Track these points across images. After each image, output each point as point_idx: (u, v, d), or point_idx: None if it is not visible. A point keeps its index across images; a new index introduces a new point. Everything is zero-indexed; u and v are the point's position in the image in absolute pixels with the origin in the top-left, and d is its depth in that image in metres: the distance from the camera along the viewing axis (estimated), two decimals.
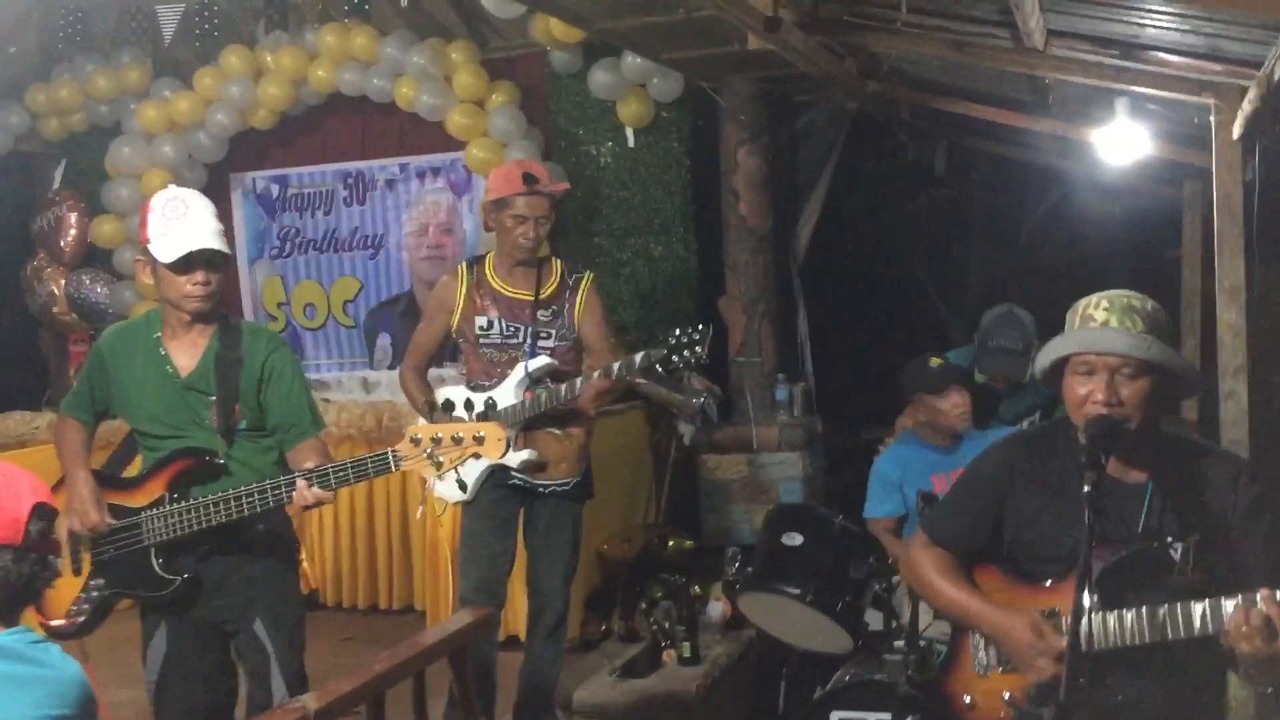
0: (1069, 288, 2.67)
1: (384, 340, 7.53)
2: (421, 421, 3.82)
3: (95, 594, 3.12)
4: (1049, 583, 2.42)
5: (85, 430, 3.25)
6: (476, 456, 2.88)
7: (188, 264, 3.03)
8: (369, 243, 7.56)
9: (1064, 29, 3.84)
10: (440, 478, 3.84)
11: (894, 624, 3.90)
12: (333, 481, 2.98)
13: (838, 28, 4.67)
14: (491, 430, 2.87)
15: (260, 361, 3.15)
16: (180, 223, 3.03)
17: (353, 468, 2.98)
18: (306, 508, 3.01)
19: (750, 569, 4.04)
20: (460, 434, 2.87)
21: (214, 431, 3.10)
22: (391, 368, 7.21)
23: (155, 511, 3.05)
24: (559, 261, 4.16)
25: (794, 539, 3.95)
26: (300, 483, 2.96)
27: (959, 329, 7.98)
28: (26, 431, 6.26)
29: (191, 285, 3.05)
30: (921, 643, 3.61)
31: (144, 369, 3.13)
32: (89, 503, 3.07)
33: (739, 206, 6.62)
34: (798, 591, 3.79)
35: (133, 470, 3.26)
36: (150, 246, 3.06)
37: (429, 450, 2.87)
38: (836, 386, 7.28)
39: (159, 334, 3.15)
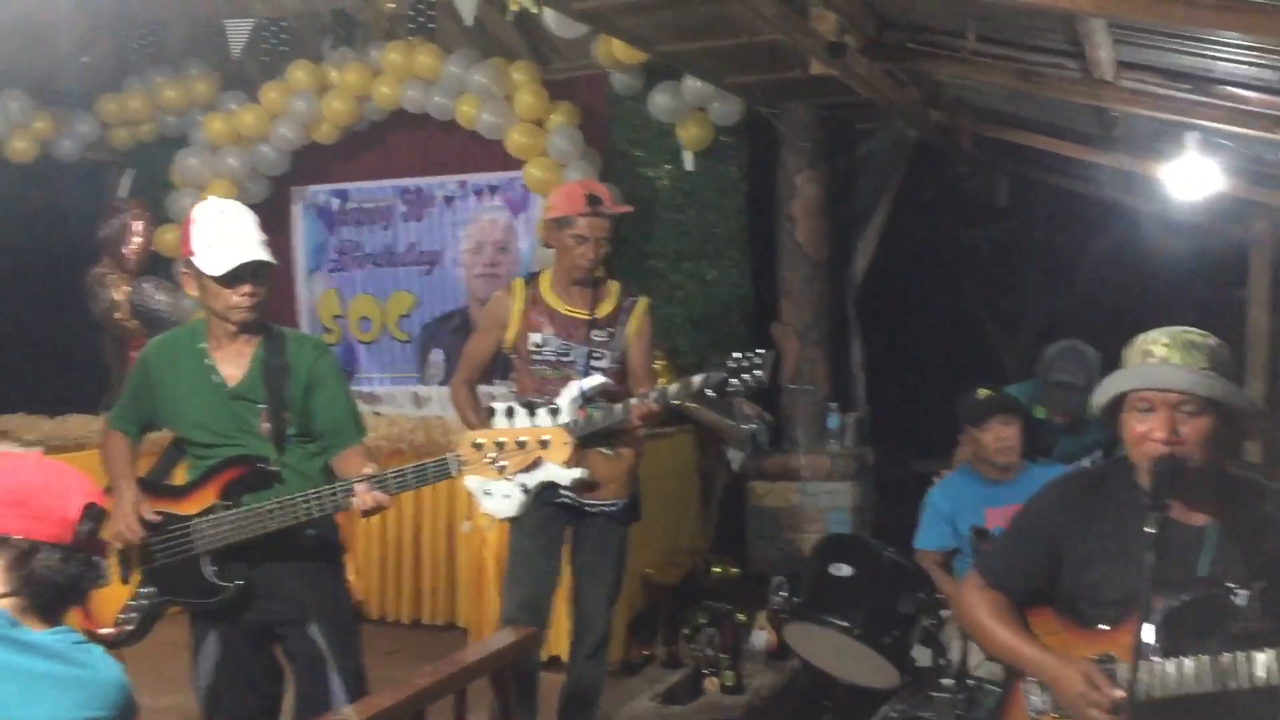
0: (1130, 325, 2.60)
1: (437, 356, 7.57)
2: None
3: (145, 602, 3.12)
4: (1104, 627, 2.34)
5: (131, 443, 3.27)
6: (540, 462, 2.85)
7: (235, 276, 3.03)
8: (425, 258, 7.61)
9: (1134, 61, 3.77)
10: (489, 493, 3.87)
11: (942, 661, 3.82)
12: (392, 486, 2.96)
13: (902, 54, 4.63)
14: (557, 434, 2.83)
15: (306, 368, 3.15)
16: (226, 235, 3.03)
17: (412, 473, 2.96)
18: (366, 513, 3.00)
19: (797, 599, 3.98)
20: (524, 438, 2.82)
21: (265, 439, 3.10)
22: (443, 383, 7.24)
23: (209, 518, 3.05)
24: (615, 283, 4.15)
25: (842, 570, 3.89)
26: (359, 487, 2.95)
27: (1015, 363, 7.87)
28: (85, 434, 6.35)
29: (239, 297, 3.04)
30: (970, 681, 3.53)
31: (190, 379, 3.14)
32: (131, 518, 3.09)
33: (795, 233, 6.59)
34: (845, 624, 3.73)
35: (177, 478, 3.28)
36: (195, 259, 3.04)
37: (492, 455, 2.83)
38: (890, 417, 7.20)
39: (204, 344, 3.15)
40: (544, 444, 2.81)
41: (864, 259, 7.05)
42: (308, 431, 3.16)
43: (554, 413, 3.76)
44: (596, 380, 3.90)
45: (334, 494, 2.97)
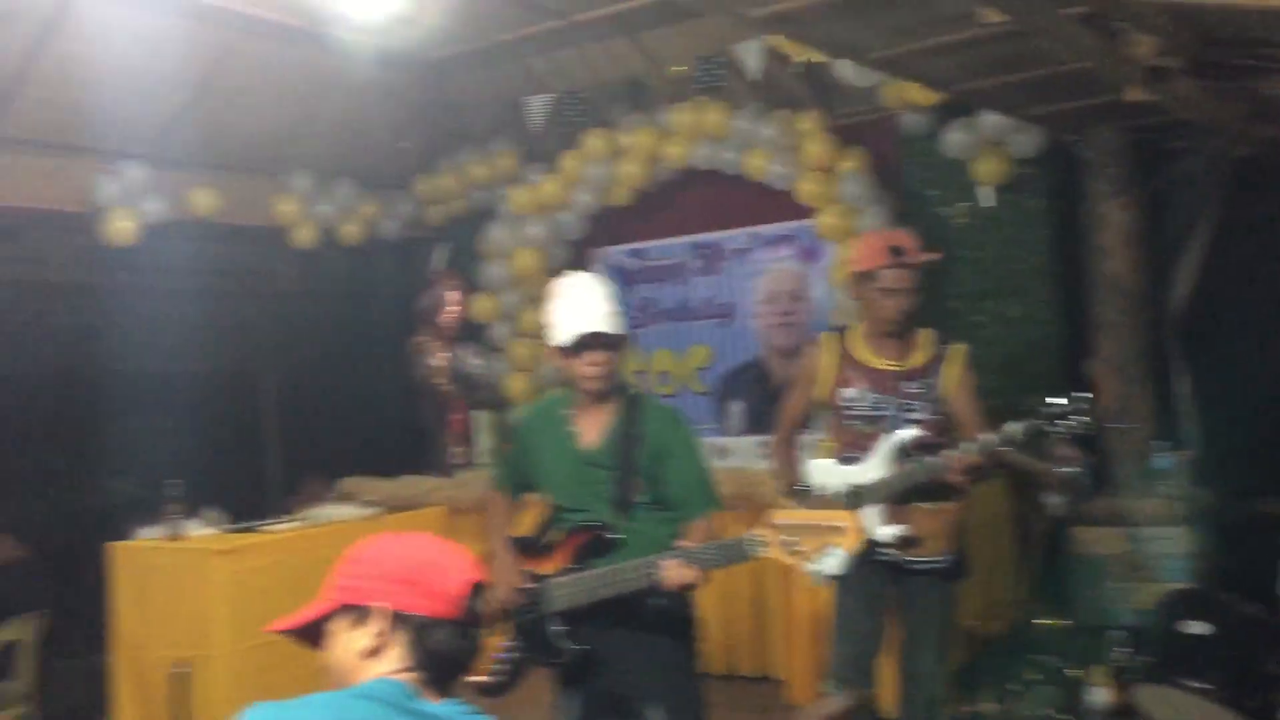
0: None
1: (736, 407, 7.64)
2: (785, 504, 3.81)
3: (512, 656, 3.28)
4: None
5: (511, 502, 3.49)
6: (831, 548, 2.85)
7: (580, 346, 3.17)
8: (720, 311, 7.72)
9: None
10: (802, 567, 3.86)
11: None
12: (696, 564, 3.01)
13: (1229, 72, 4.32)
14: (851, 521, 2.86)
15: (659, 437, 3.25)
16: (573, 308, 3.19)
17: (716, 552, 3.02)
18: (680, 589, 3.05)
19: (1146, 657, 3.74)
20: (819, 523, 2.86)
21: (612, 505, 3.22)
22: (743, 434, 7.31)
23: (556, 581, 3.20)
24: (928, 331, 4.07)
25: (1197, 627, 3.64)
26: (668, 563, 3.01)
27: None
28: (419, 494, 6.79)
29: (585, 366, 3.20)
30: None
31: (554, 445, 3.32)
32: (508, 583, 3.26)
33: (1107, 264, 6.25)
34: (1205, 686, 3.47)
35: (551, 537, 3.44)
36: (549, 330, 3.24)
37: (787, 539, 2.87)
38: (1225, 455, 6.65)
39: (570, 410, 3.33)
40: (837, 530, 2.80)
41: (1186, 286, 6.59)
42: (662, 499, 3.25)
43: (853, 489, 3.75)
44: (912, 433, 3.85)
45: (647, 567, 3.03)
